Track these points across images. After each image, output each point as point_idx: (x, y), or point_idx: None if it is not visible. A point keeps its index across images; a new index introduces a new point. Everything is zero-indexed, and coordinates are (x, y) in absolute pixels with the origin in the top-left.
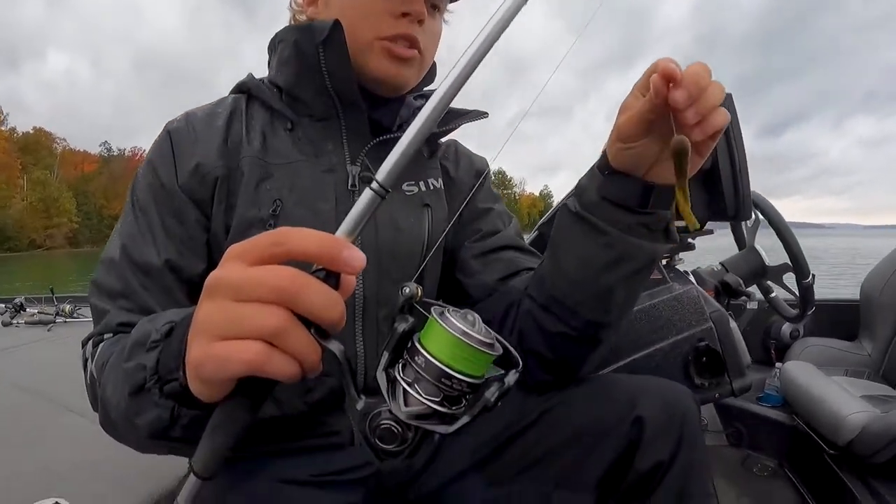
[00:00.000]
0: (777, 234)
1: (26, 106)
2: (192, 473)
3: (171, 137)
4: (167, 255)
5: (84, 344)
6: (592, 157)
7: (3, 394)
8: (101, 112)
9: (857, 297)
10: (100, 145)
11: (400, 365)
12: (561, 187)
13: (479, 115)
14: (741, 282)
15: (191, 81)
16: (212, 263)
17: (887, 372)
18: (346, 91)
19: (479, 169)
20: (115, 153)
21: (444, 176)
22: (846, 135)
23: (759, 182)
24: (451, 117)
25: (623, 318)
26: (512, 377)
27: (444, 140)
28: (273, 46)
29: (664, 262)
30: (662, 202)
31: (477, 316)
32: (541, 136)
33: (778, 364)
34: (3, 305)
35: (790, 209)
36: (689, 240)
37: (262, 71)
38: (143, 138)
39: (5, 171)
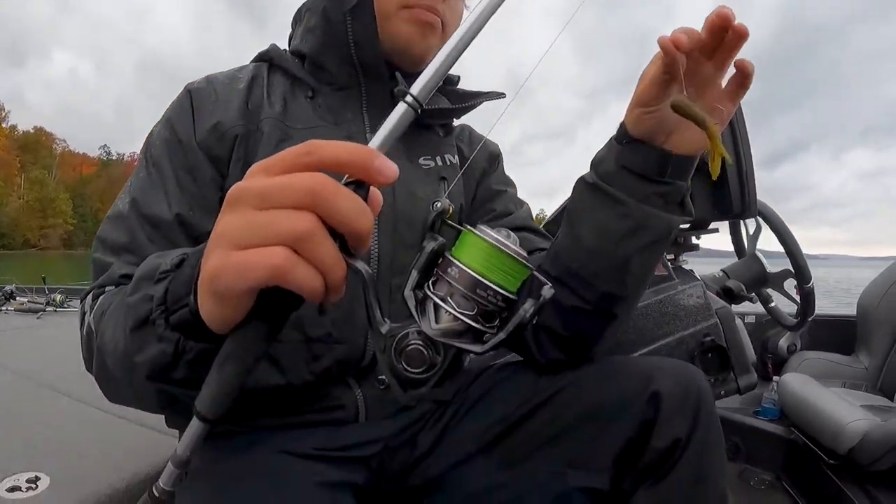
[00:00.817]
0: (778, 239)
1: (29, 104)
2: (194, 416)
3: (192, 96)
4: (178, 210)
5: (83, 298)
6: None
7: None
8: (102, 115)
9: (854, 312)
10: (99, 148)
11: (430, 282)
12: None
13: (496, 95)
14: (743, 287)
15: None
16: None
17: (884, 385)
18: (371, 61)
19: (492, 151)
20: (114, 157)
21: (459, 156)
22: (845, 166)
23: None
24: (468, 97)
25: (639, 292)
26: (548, 291)
27: (457, 123)
28: (299, 17)
29: (669, 262)
30: (679, 172)
31: (512, 232)
32: (542, 159)
33: (775, 378)
34: None
35: None
36: (694, 239)
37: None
38: (142, 144)
39: (4, 168)
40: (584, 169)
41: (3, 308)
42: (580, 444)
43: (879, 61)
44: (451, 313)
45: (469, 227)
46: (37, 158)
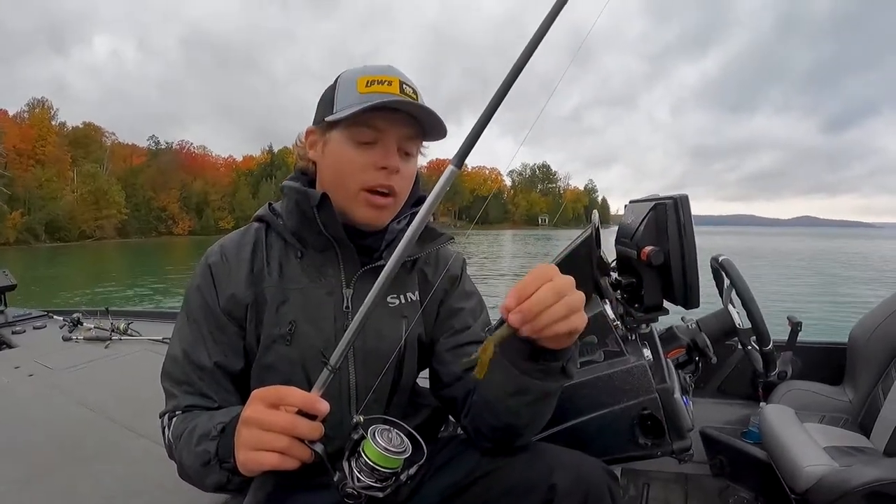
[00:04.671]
0: (741, 302)
1: (74, 94)
2: None
3: (212, 270)
4: (216, 359)
5: (161, 416)
6: (649, 151)
7: (73, 413)
8: (148, 99)
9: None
10: (148, 139)
11: (354, 459)
12: (616, 180)
13: (446, 239)
14: (708, 342)
15: (242, 64)
16: (248, 363)
17: (864, 421)
18: (337, 235)
19: (452, 273)
20: (162, 146)
21: (422, 281)
22: None
23: (814, 179)
24: (423, 240)
25: (534, 425)
26: (414, 469)
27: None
28: (282, 191)
29: (626, 328)
30: (551, 358)
31: (395, 432)
32: (601, 127)
33: (762, 403)
34: (62, 319)
35: (843, 207)
36: (649, 322)
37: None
38: (191, 130)
39: (56, 164)
40: (644, 138)
41: (74, 336)
42: None
43: None
44: (362, 480)
45: (370, 434)
46: (87, 153)
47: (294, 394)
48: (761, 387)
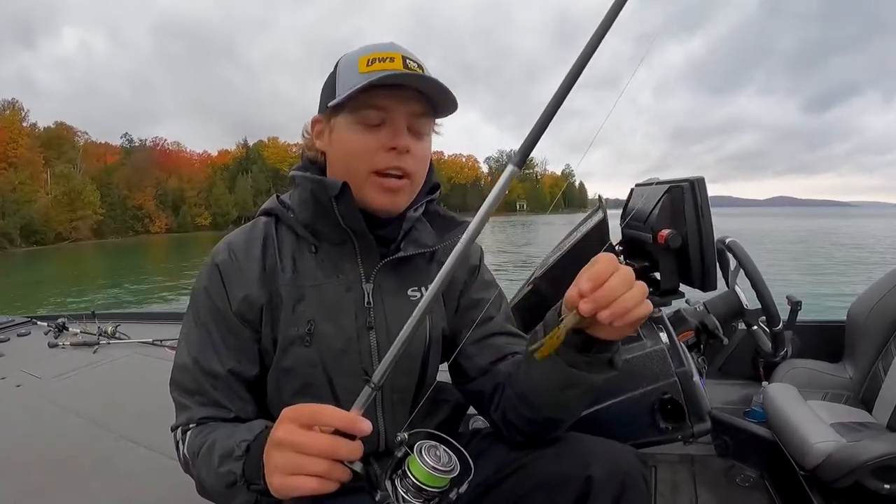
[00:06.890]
0: (750, 283)
1: (44, 91)
2: None
3: (220, 270)
4: (229, 366)
5: (174, 430)
6: (632, 133)
7: (65, 425)
8: (120, 94)
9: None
10: (121, 137)
11: (399, 476)
12: (597, 165)
13: (465, 227)
14: (718, 325)
15: (216, 54)
16: (263, 367)
17: (865, 396)
18: (356, 227)
19: (472, 263)
20: (136, 143)
21: None
22: (894, 110)
23: (792, 159)
24: (441, 231)
25: (575, 416)
26: (465, 487)
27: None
28: (293, 181)
29: None
30: (602, 350)
31: (443, 448)
32: (585, 110)
33: (764, 383)
34: (46, 325)
35: (819, 187)
36: (663, 306)
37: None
38: (165, 125)
39: (29, 166)
40: (627, 120)
41: (60, 342)
42: None
43: None
44: (408, 500)
45: (416, 451)
46: (60, 153)
47: (331, 413)
48: (762, 367)
